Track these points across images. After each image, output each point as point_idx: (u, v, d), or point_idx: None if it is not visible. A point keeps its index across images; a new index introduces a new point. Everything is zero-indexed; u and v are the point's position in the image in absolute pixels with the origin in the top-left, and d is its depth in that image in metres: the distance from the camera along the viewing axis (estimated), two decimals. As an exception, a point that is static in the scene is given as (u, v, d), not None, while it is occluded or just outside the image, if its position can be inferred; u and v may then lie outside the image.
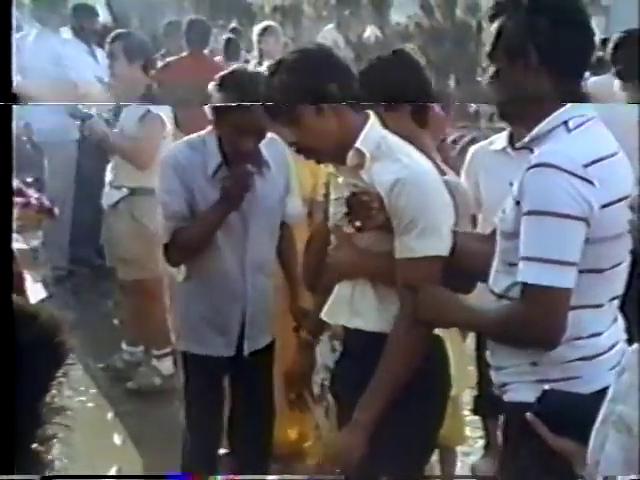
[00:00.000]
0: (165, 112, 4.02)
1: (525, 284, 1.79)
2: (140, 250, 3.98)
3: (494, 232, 1.94)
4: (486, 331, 2.04)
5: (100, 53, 5.16)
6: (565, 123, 1.83)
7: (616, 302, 1.89)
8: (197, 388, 2.83)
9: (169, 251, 2.76)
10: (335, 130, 2.07)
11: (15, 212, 3.55)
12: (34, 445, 1.39)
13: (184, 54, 5.80)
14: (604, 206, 1.74)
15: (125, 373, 4.29)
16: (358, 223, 2.12)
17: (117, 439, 3.70)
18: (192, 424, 2.85)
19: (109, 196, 4.12)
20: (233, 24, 8.06)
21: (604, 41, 4.18)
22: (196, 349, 2.82)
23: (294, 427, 3.45)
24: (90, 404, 3.98)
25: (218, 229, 2.71)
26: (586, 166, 1.76)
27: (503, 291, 1.88)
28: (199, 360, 2.81)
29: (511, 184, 1.84)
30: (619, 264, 1.83)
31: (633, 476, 1.36)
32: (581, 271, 1.78)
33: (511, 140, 2.89)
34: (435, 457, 2.94)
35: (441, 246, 2.07)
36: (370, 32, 7.71)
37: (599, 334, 1.85)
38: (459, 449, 3.28)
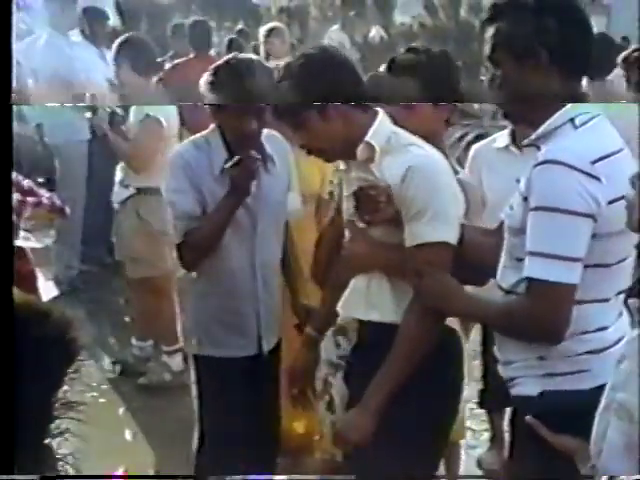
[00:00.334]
0: (170, 113, 4.09)
1: (531, 279, 1.81)
2: (146, 248, 4.06)
3: (501, 226, 1.97)
4: (491, 323, 2.07)
5: (110, 56, 5.21)
6: (572, 120, 1.86)
7: (622, 296, 1.91)
8: (217, 391, 2.77)
9: (183, 254, 2.73)
10: (341, 131, 2.12)
11: (27, 212, 3.61)
12: (47, 440, 1.44)
13: (190, 56, 5.85)
14: (610, 202, 1.76)
15: (135, 368, 4.35)
16: (367, 217, 2.15)
17: (128, 435, 3.75)
18: (214, 426, 2.79)
19: (118, 194, 4.20)
20: (240, 26, 8.10)
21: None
22: (213, 352, 2.77)
23: (301, 421, 3.49)
24: (102, 400, 4.04)
25: (229, 224, 2.68)
26: (593, 163, 1.78)
27: (511, 287, 1.90)
28: (217, 363, 2.77)
29: (518, 180, 1.87)
30: (625, 259, 1.86)
31: (637, 476, 1.37)
32: (588, 266, 1.81)
33: (513, 138, 2.93)
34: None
35: (450, 233, 2.10)
36: (375, 32, 7.74)
37: (605, 328, 1.86)
38: (464, 442, 3.31)
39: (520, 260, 1.85)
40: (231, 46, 6.68)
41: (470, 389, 3.29)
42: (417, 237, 2.09)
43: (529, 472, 1.88)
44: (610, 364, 1.76)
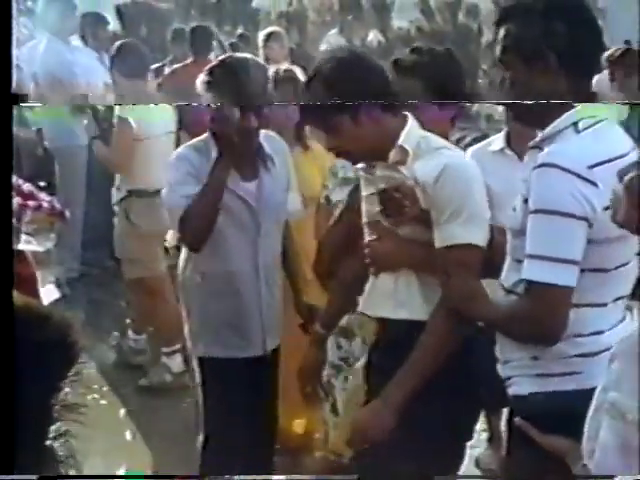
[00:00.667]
0: (143, 114, 4.18)
1: (529, 281, 1.83)
2: (137, 249, 4.16)
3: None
4: (497, 325, 2.05)
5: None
6: (575, 124, 1.87)
7: (621, 302, 1.91)
8: (224, 392, 2.77)
9: (185, 232, 2.70)
10: (372, 134, 2.15)
11: (27, 216, 3.64)
12: (48, 442, 1.43)
13: (189, 61, 5.87)
14: (606, 208, 1.74)
15: (129, 358, 4.43)
16: (393, 217, 2.17)
17: (129, 436, 3.77)
18: (219, 427, 2.79)
19: (114, 197, 4.32)
20: (240, 30, 8.12)
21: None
22: (220, 353, 2.78)
23: (301, 420, 3.50)
24: (103, 401, 4.06)
25: (224, 191, 2.65)
26: (591, 167, 1.79)
27: (511, 287, 1.92)
28: (223, 364, 2.77)
29: (525, 181, 1.88)
30: (624, 265, 1.86)
31: (637, 476, 1.37)
32: (585, 270, 1.82)
33: (509, 141, 2.96)
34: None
35: (482, 236, 2.12)
36: (373, 36, 7.77)
37: (601, 332, 1.87)
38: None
39: (520, 261, 1.86)
40: (232, 51, 6.70)
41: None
42: (450, 238, 2.10)
43: (526, 472, 1.89)
44: (603, 367, 1.78)
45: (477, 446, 3.58)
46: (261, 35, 6.46)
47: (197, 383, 2.87)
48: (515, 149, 2.91)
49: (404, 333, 2.20)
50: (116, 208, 4.29)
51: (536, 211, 1.81)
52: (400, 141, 2.15)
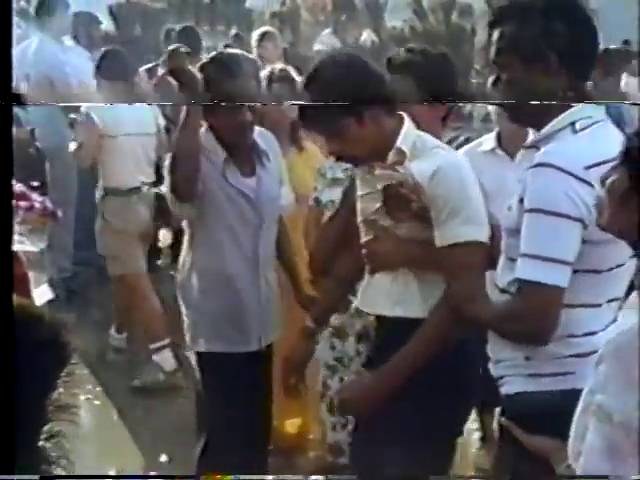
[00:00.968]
0: (109, 113, 4.32)
1: (521, 280, 1.84)
2: (114, 247, 4.28)
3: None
4: (492, 325, 2.06)
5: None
6: (572, 124, 1.87)
7: (615, 303, 1.91)
8: (227, 387, 2.76)
9: (172, 183, 2.68)
10: (375, 136, 2.17)
11: (19, 216, 3.64)
12: (40, 443, 1.43)
13: (182, 61, 5.85)
14: None
15: (109, 352, 4.49)
16: (396, 214, 2.18)
17: (123, 436, 3.77)
18: (220, 424, 2.77)
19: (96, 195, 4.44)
20: (233, 30, 8.12)
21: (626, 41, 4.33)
22: (220, 348, 2.78)
23: (294, 420, 3.51)
24: (96, 402, 4.05)
25: (199, 138, 2.65)
26: (587, 168, 1.79)
27: (506, 286, 1.93)
28: (223, 359, 2.77)
29: (520, 181, 1.88)
30: (619, 266, 1.86)
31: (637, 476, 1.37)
32: (579, 271, 1.83)
33: (499, 141, 2.97)
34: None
35: (484, 233, 2.13)
36: (366, 36, 7.78)
37: (594, 333, 1.87)
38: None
39: (514, 260, 1.87)
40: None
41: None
42: (452, 237, 2.11)
43: (516, 472, 1.89)
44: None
45: (470, 446, 3.60)
46: (255, 35, 6.46)
47: (197, 380, 2.86)
48: (506, 149, 2.92)
49: (400, 330, 2.21)
50: (98, 207, 4.41)
51: (531, 210, 1.81)
52: (398, 142, 2.17)
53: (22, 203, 3.70)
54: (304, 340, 2.59)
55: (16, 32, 5.57)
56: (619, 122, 1.93)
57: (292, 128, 3.41)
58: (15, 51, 5.03)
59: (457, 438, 2.34)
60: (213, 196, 2.73)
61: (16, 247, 3.73)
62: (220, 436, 2.78)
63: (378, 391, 2.18)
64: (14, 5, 5.72)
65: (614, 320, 1.90)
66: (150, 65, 5.82)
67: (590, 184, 1.77)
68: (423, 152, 2.17)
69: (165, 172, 2.75)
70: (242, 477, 2.25)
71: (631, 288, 1.51)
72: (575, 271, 1.82)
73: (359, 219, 2.30)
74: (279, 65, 3.69)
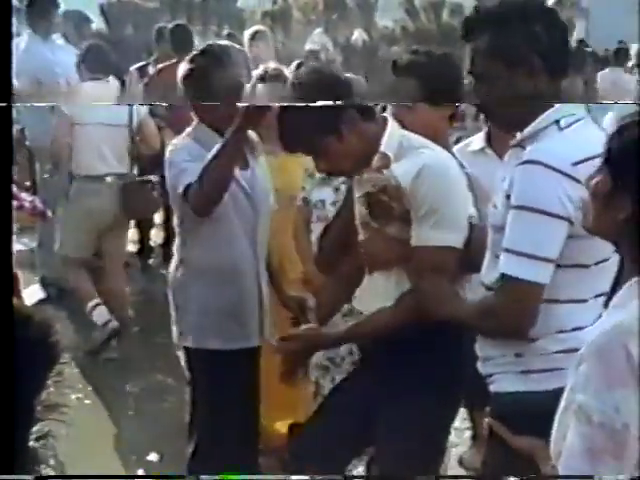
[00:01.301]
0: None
1: (502, 275, 1.85)
2: (68, 228, 4.52)
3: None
4: (471, 323, 2.06)
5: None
6: (557, 122, 1.88)
7: (601, 299, 1.87)
8: (226, 385, 2.71)
9: (197, 196, 2.57)
10: (358, 146, 2.17)
11: (9, 215, 3.63)
12: (30, 442, 1.45)
13: (174, 60, 5.84)
14: None
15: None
16: (379, 219, 2.19)
17: (112, 436, 3.75)
18: (219, 423, 2.72)
19: None
20: (226, 29, 8.12)
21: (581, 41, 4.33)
22: (219, 344, 2.73)
23: (285, 420, 3.50)
24: (87, 401, 4.04)
25: (239, 157, 2.61)
26: (575, 164, 1.80)
27: (492, 283, 1.93)
28: (225, 355, 2.72)
29: (503, 179, 1.89)
30: (604, 261, 1.86)
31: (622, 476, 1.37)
32: (565, 266, 1.84)
33: (489, 140, 2.97)
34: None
35: (456, 238, 2.14)
36: (358, 35, 7.78)
37: (581, 328, 1.86)
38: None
39: (499, 257, 1.88)
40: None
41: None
42: (423, 239, 2.13)
43: (505, 471, 1.87)
44: None
45: (461, 444, 3.60)
46: (246, 34, 6.46)
47: (187, 379, 2.83)
48: (495, 148, 2.91)
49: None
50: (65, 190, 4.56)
51: (518, 207, 1.82)
52: (382, 148, 2.17)
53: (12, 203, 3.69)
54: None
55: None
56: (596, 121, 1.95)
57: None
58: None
59: (447, 437, 2.34)
60: None
61: (6, 246, 3.72)
62: (212, 435, 2.76)
63: (321, 340, 2.31)
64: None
65: (600, 316, 1.93)
66: (141, 64, 5.83)
67: (578, 180, 1.77)
68: (409, 151, 2.17)
69: (192, 189, 2.61)
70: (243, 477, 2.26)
71: (615, 285, 1.51)
72: (563, 266, 1.84)
73: (357, 221, 2.32)
74: (272, 64, 3.68)
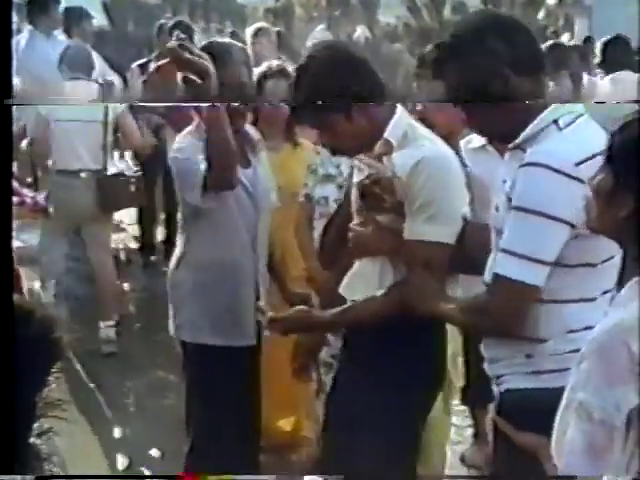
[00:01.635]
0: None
1: (496, 275, 1.85)
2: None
3: None
4: (455, 320, 2.09)
5: (94, 55, 5.23)
6: (555, 122, 1.87)
7: (608, 295, 1.88)
8: (221, 382, 2.71)
9: (215, 176, 2.58)
10: (365, 129, 2.17)
11: (10, 211, 3.63)
12: (31, 439, 1.43)
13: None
14: None
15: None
16: (371, 209, 2.19)
17: (117, 433, 3.76)
18: (217, 420, 2.72)
19: None
20: (228, 27, 8.11)
21: (587, 39, 4.29)
22: (219, 341, 2.73)
23: (288, 418, 3.50)
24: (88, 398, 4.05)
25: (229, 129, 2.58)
26: (577, 164, 1.79)
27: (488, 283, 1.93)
28: (221, 351, 2.73)
29: (504, 181, 1.88)
30: (610, 258, 1.86)
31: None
32: (573, 265, 1.83)
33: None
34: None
35: (448, 234, 2.13)
36: (360, 32, 7.77)
37: (591, 327, 1.81)
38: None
39: None
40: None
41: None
42: (416, 233, 2.12)
43: (512, 468, 1.89)
44: None
45: (462, 442, 3.61)
46: (249, 31, 6.44)
47: (184, 375, 2.83)
48: (496, 146, 2.90)
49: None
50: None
51: (518, 208, 1.81)
52: (386, 134, 2.16)
53: (13, 199, 3.70)
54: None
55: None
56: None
57: (287, 124, 3.40)
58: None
59: (423, 424, 2.33)
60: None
61: (7, 243, 3.72)
62: (208, 432, 2.75)
63: (311, 321, 2.31)
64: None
65: (605, 314, 1.92)
66: (143, 61, 5.81)
67: (582, 181, 1.75)
68: (412, 141, 2.16)
69: (200, 175, 2.61)
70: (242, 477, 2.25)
71: (619, 284, 1.51)
72: (570, 266, 1.83)
73: (353, 207, 2.32)
74: (276, 61, 3.68)
